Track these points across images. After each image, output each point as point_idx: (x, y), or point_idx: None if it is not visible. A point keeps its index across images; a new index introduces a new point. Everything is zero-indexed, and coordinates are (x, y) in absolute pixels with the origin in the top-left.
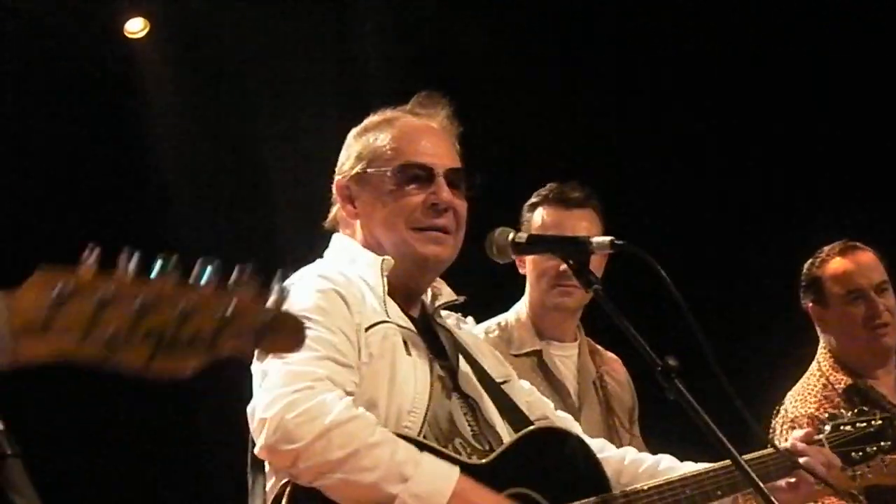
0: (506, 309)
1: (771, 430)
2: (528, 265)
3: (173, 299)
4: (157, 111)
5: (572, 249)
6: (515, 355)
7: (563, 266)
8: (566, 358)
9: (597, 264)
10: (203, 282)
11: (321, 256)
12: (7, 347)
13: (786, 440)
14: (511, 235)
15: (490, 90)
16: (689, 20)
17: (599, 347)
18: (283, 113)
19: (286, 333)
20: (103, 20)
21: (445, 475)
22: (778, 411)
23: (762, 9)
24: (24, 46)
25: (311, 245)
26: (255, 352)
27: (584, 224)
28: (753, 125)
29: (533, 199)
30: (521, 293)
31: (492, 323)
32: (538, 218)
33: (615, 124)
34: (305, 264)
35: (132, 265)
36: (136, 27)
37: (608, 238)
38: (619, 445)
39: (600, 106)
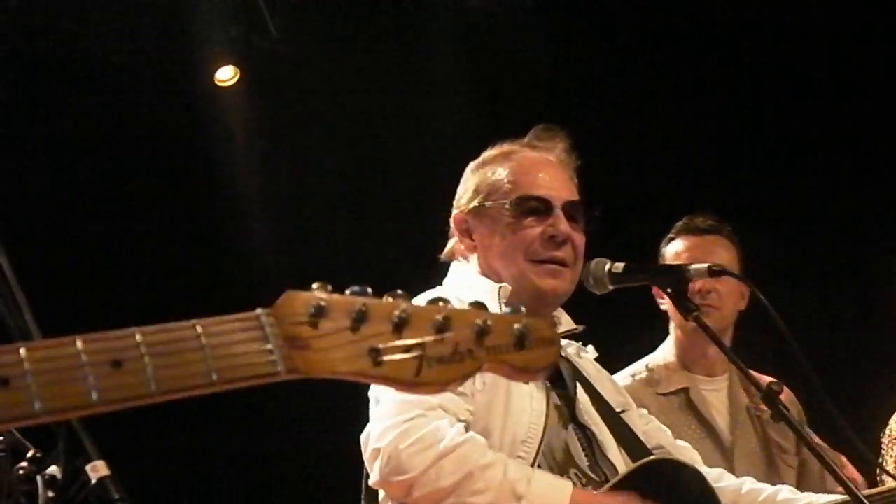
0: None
1: (881, 449)
2: (673, 310)
3: (424, 315)
4: (246, 156)
5: (669, 277)
6: (662, 394)
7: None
8: (716, 392)
9: (727, 294)
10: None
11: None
12: (282, 357)
13: (893, 458)
14: (608, 266)
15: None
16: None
17: (757, 374)
18: (366, 152)
19: (541, 343)
20: (195, 68)
21: (559, 488)
22: (884, 432)
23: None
24: (119, 93)
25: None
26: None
27: (720, 251)
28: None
29: (669, 235)
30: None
31: (640, 365)
32: (672, 250)
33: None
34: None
35: (355, 289)
36: (226, 75)
37: (706, 265)
38: (780, 476)
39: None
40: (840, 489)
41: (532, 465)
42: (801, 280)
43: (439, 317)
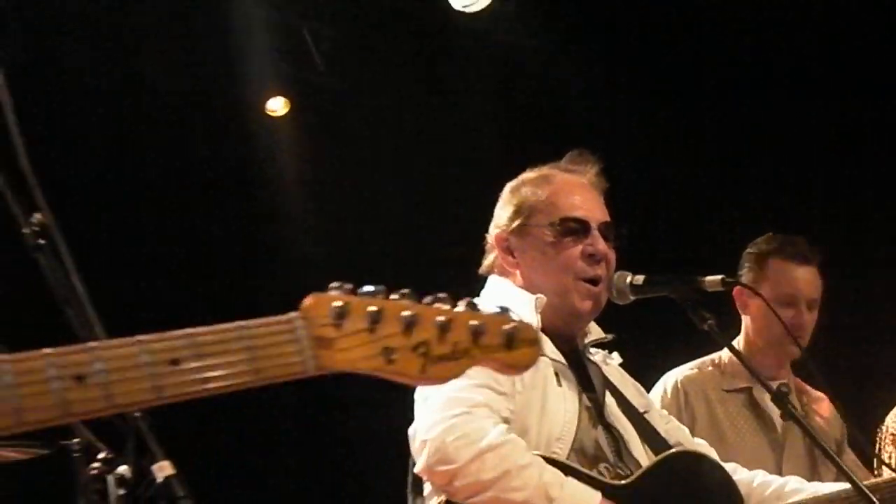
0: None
1: (875, 444)
2: (751, 314)
3: (430, 315)
4: (295, 179)
5: (686, 289)
6: (727, 390)
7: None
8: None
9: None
10: (440, 302)
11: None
12: (311, 356)
13: (888, 454)
14: (629, 279)
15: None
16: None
17: (808, 387)
18: (403, 175)
19: (526, 344)
20: (249, 100)
21: (588, 497)
22: (880, 427)
23: None
24: (181, 122)
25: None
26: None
27: (817, 283)
28: None
29: (760, 248)
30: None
31: (706, 360)
32: (770, 271)
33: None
34: None
35: (368, 288)
36: (277, 106)
37: (719, 277)
38: (822, 477)
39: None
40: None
41: (566, 459)
42: None
43: (441, 318)
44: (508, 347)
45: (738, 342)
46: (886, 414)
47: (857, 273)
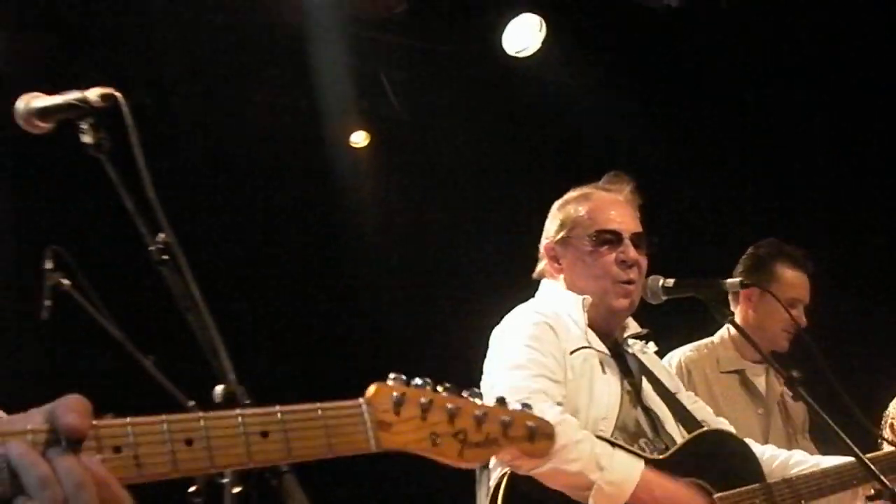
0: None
1: (880, 428)
2: (742, 306)
3: (469, 408)
4: (374, 201)
5: (710, 290)
6: (723, 372)
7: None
8: (759, 377)
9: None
10: (475, 397)
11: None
12: (374, 437)
13: (890, 439)
14: (661, 281)
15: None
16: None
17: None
18: (469, 197)
19: (545, 437)
20: (335, 133)
21: (633, 466)
22: (884, 414)
23: None
24: (277, 154)
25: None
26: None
27: (793, 275)
28: None
29: (769, 253)
30: None
31: (701, 343)
32: (778, 274)
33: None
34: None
35: (418, 381)
36: (358, 139)
37: (738, 279)
38: (799, 447)
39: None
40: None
41: (610, 436)
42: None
43: (478, 412)
44: (531, 440)
45: (726, 331)
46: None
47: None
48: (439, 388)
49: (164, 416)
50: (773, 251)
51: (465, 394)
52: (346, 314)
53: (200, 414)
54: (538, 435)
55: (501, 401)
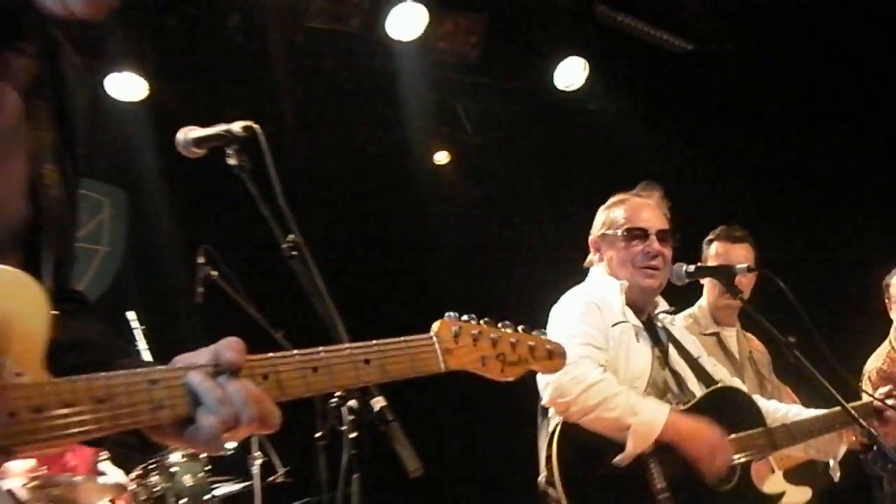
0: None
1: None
2: (707, 283)
3: (506, 336)
4: (456, 212)
5: (723, 273)
6: (704, 334)
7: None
8: (731, 337)
9: (746, 282)
10: (509, 328)
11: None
12: (442, 360)
13: (869, 387)
14: (684, 267)
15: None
16: None
17: (746, 332)
18: (533, 207)
19: (558, 356)
20: (422, 154)
21: (661, 410)
22: (863, 369)
23: None
24: (375, 171)
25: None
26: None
27: (743, 253)
28: None
29: (710, 237)
30: None
31: (685, 313)
32: (713, 250)
33: None
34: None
35: (466, 317)
36: (441, 158)
37: (745, 265)
38: (767, 395)
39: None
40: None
41: (643, 393)
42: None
43: (513, 339)
44: (549, 358)
45: (704, 303)
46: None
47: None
48: (482, 322)
49: (295, 351)
50: (723, 236)
51: (500, 325)
52: (432, 292)
53: (321, 348)
54: (555, 354)
55: (527, 330)
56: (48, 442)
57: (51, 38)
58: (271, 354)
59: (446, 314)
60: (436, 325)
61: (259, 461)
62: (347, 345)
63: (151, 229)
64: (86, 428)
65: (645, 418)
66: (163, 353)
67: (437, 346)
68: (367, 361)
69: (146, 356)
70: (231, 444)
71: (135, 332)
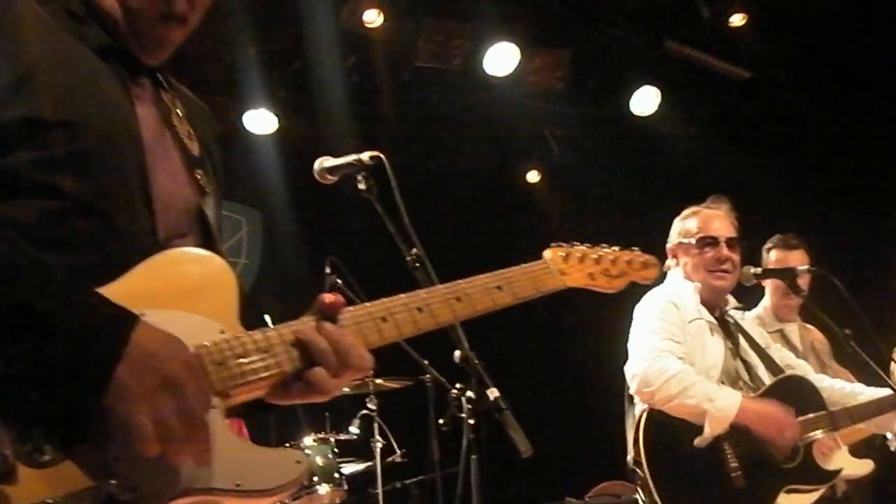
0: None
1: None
2: (769, 286)
3: (606, 255)
4: (546, 223)
5: (786, 275)
6: (769, 332)
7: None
8: (793, 332)
9: (803, 283)
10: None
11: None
12: (559, 279)
13: None
14: (752, 270)
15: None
16: None
17: (806, 324)
18: (617, 220)
19: (652, 266)
20: (515, 173)
21: (735, 396)
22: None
23: None
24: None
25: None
26: None
27: (799, 258)
28: None
29: (768, 245)
30: None
31: (753, 314)
32: (772, 256)
33: None
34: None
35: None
36: (533, 177)
37: (806, 267)
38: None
39: None
40: None
41: (717, 381)
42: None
43: (612, 257)
44: (645, 268)
45: (767, 303)
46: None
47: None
48: (586, 244)
49: (402, 294)
50: (780, 243)
51: (602, 245)
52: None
53: (460, 280)
54: (649, 264)
55: (622, 247)
56: (250, 385)
57: (167, 79)
58: (383, 300)
59: (552, 245)
60: (547, 253)
61: (380, 444)
62: (479, 276)
63: (282, 244)
64: (272, 372)
65: (720, 404)
66: None
67: (552, 268)
68: (499, 287)
69: None
70: (353, 430)
71: None
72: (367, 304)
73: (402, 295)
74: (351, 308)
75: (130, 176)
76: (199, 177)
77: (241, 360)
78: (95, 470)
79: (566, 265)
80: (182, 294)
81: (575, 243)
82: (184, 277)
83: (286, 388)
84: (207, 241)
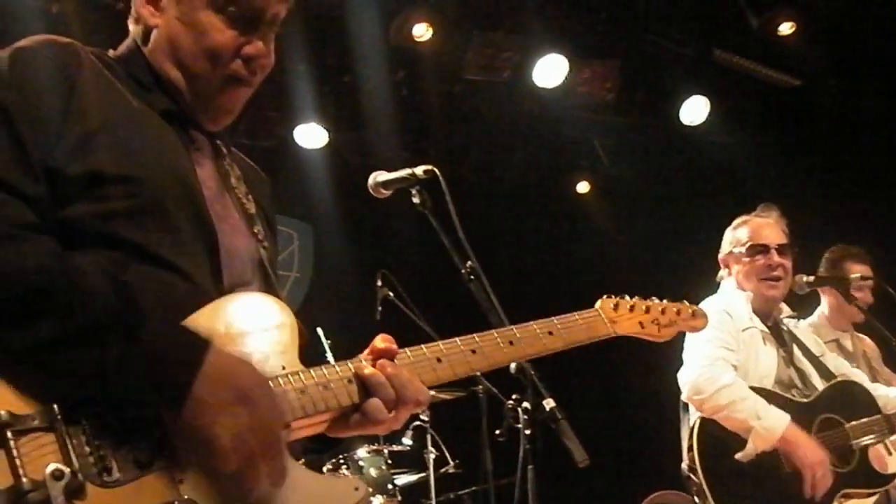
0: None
1: None
2: (824, 294)
3: (656, 306)
4: (597, 234)
5: (840, 283)
6: (825, 342)
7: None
8: (847, 341)
9: (863, 295)
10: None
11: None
12: (610, 327)
13: None
14: (805, 278)
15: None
16: None
17: (859, 334)
18: (661, 228)
19: (701, 316)
20: (565, 184)
21: (782, 418)
22: None
23: None
24: (521, 198)
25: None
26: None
27: (859, 267)
28: None
29: (830, 255)
30: None
31: (808, 322)
32: (830, 264)
33: None
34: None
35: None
36: (583, 188)
37: (859, 275)
38: (877, 378)
39: None
40: None
41: (771, 388)
42: None
43: (661, 308)
44: (694, 318)
45: (824, 311)
46: None
47: None
48: (636, 298)
49: (493, 331)
50: (842, 254)
51: (652, 298)
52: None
53: (513, 326)
54: (698, 315)
55: (671, 300)
56: (310, 417)
57: (227, 145)
58: (440, 342)
59: (603, 297)
60: (599, 302)
61: (433, 455)
62: (533, 322)
63: (334, 257)
64: (330, 404)
65: (767, 424)
66: None
67: (603, 316)
68: (550, 333)
69: None
70: (406, 441)
71: (324, 344)
72: (423, 346)
73: (457, 338)
74: (407, 350)
75: (195, 228)
76: (256, 232)
77: (301, 395)
78: (161, 491)
79: (616, 314)
80: (244, 334)
81: (625, 296)
82: (247, 319)
83: (346, 421)
84: (269, 289)
